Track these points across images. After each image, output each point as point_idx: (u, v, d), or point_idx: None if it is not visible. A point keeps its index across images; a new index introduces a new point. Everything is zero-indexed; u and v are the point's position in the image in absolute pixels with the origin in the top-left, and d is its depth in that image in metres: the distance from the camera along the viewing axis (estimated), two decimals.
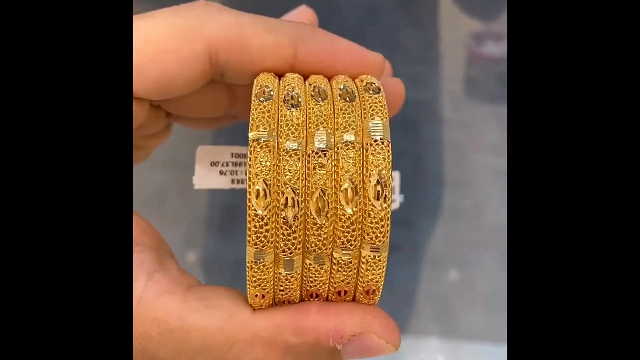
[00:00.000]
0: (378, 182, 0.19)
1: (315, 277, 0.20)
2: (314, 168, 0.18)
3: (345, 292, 0.20)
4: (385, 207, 0.19)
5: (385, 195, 0.19)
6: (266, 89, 0.20)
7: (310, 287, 0.20)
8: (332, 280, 0.20)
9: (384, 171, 0.19)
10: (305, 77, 0.21)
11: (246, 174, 0.23)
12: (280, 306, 0.21)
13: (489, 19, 0.93)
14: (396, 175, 0.25)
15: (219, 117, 0.26)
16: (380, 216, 0.19)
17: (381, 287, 0.20)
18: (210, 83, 0.22)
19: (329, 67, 0.21)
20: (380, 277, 0.20)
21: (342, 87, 0.20)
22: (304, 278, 0.20)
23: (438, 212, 0.78)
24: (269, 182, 0.18)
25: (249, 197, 0.18)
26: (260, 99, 0.19)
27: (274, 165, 0.18)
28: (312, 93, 0.20)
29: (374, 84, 0.20)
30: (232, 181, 0.25)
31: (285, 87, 0.20)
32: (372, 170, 0.19)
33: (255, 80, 0.20)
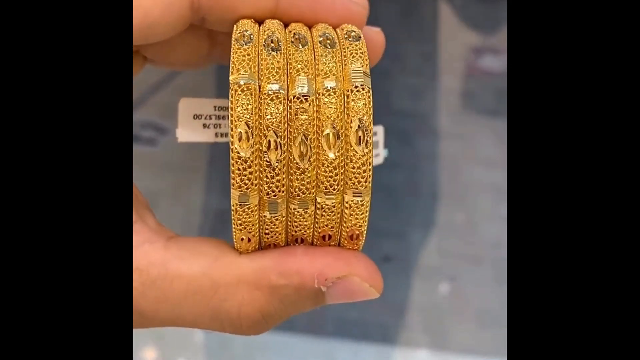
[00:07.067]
0: (359, 127, 0.19)
1: (299, 221, 0.20)
2: (296, 113, 0.18)
3: (330, 236, 0.20)
4: (367, 152, 0.19)
5: (367, 140, 0.19)
6: (246, 33, 0.20)
7: (296, 231, 0.20)
8: (316, 225, 0.20)
9: (365, 117, 0.19)
10: (286, 25, 0.21)
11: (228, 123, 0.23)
12: (266, 250, 0.20)
13: (488, 32, 0.93)
14: (380, 129, 0.25)
15: (197, 61, 0.26)
16: (362, 161, 0.19)
17: (364, 232, 0.20)
18: (190, 28, 0.22)
19: (310, 16, 0.21)
20: (363, 221, 0.20)
21: (322, 34, 0.20)
22: (289, 222, 0.20)
23: (431, 224, 0.78)
24: (251, 125, 0.18)
25: (232, 140, 0.18)
26: (240, 43, 0.19)
27: (255, 108, 0.18)
28: (292, 39, 0.20)
29: (354, 31, 0.21)
30: (216, 135, 0.24)
31: (265, 31, 0.20)
32: (353, 116, 0.19)
33: (235, 25, 0.20)
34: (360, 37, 0.20)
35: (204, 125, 0.24)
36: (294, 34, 0.20)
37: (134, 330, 0.20)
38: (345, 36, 0.20)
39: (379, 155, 0.25)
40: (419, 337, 0.69)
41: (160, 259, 0.20)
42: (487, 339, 0.68)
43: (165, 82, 0.82)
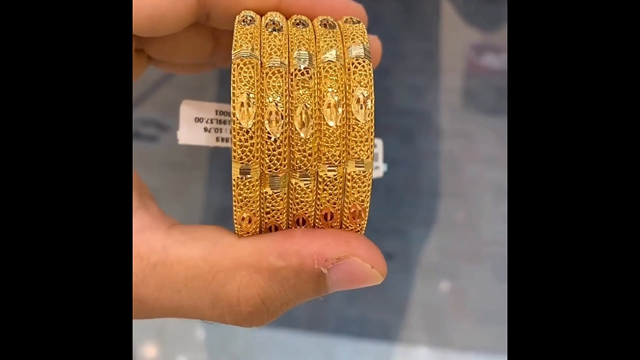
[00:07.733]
0: (360, 97, 0.19)
1: (301, 197, 0.19)
2: (297, 86, 0.19)
3: (332, 215, 0.20)
4: (369, 121, 0.19)
5: (368, 109, 0.19)
6: (248, 16, 0.21)
7: (297, 210, 0.20)
8: (318, 202, 0.20)
9: (366, 87, 0.19)
10: (288, 19, 0.22)
11: (230, 132, 0.22)
12: (266, 233, 0.20)
13: (489, 30, 0.93)
14: (379, 143, 0.25)
15: (200, 63, 0.26)
16: (364, 130, 0.19)
17: (367, 208, 0.20)
18: (195, 27, 0.23)
19: (311, 13, 0.22)
20: (366, 195, 0.19)
21: (322, 19, 0.21)
22: (291, 199, 0.20)
23: (432, 222, 0.78)
24: (253, 97, 0.18)
25: (234, 112, 0.18)
26: (242, 24, 0.20)
27: (257, 81, 0.19)
28: (294, 23, 0.21)
29: (354, 18, 0.21)
30: (217, 139, 0.24)
31: (267, 17, 0.21)
32: (355, 86, 0.19)
33: (237, 16, 0.21)
34: (359, 21, 0.21)
35: (205, 129, 0.24)
36: (295, 19, 0.21)
37: (134, 327, 0.20)
38: (345, 21, 0.21)
39: (379, 168, 0.25)
40: (419, 334, 0.69)
41: (160, 245, 0.20)
42: (487, 337, 0.68)
43: (167, 79, 0.82)
